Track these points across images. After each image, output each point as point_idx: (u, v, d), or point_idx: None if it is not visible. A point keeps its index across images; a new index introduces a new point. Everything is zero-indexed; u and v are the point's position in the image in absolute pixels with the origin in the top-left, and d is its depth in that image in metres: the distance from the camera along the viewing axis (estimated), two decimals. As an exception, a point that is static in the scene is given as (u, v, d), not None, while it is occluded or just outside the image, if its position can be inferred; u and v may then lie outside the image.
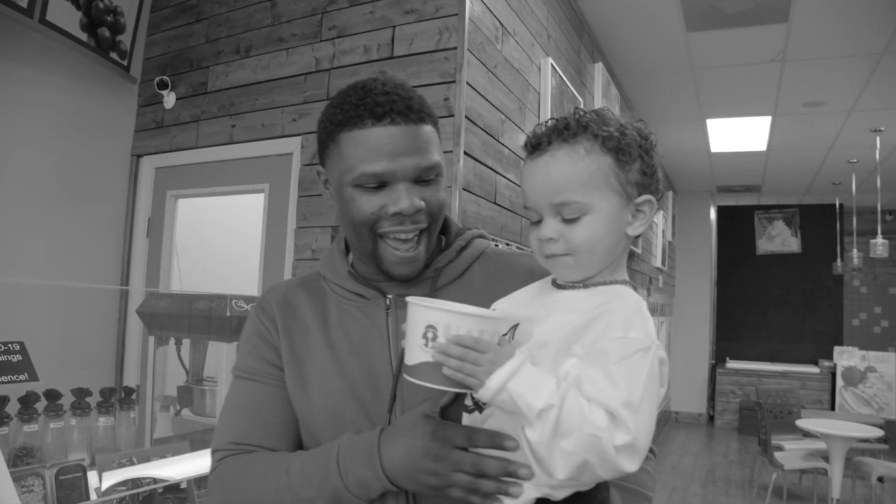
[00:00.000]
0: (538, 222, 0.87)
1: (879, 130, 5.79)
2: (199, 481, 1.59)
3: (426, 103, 1.00)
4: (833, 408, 7.82)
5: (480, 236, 1.13)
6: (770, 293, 9.55)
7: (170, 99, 2.98)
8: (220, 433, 1.04)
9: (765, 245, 9.61)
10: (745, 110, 5.66)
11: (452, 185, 2.24)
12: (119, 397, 1.75)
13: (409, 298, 0.82)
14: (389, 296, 1.04)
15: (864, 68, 4.55)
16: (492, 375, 0.74)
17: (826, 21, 3.89)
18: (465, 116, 2.30)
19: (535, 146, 0.87)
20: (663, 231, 7.40)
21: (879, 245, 6.15)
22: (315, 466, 0.91)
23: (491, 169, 2.55)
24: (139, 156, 3.09)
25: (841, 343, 8.71)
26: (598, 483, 0.85)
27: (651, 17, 3.96)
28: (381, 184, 0.95)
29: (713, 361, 9.41)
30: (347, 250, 1.12)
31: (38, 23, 2.46)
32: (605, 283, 0.88)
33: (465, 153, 2.30)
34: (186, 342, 2.08)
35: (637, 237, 0.94)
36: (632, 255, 5.60)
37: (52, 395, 1.56)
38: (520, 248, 2.72)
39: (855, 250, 7.06)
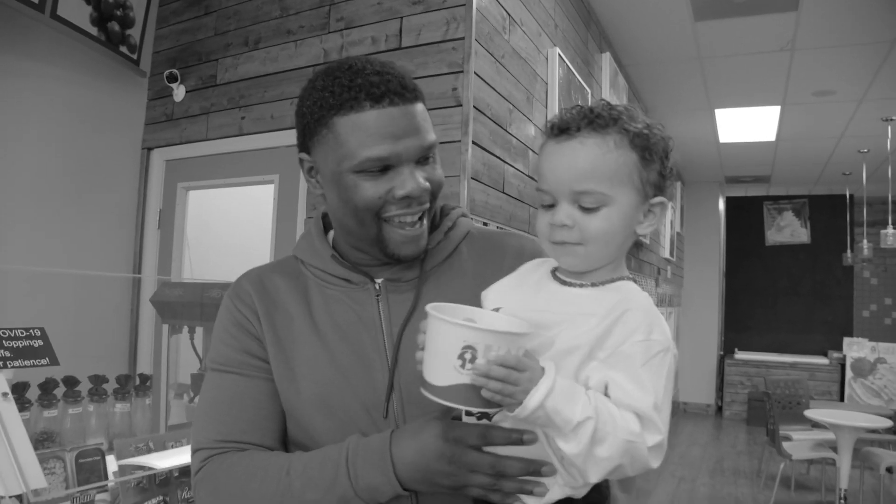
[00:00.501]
0: (551, 206, 0.86)
1: (891, 120, 5.76)
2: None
3: (414, 81, 0.98)
4: (842, 399, 7.82)
5: (464, 215, 1.11)
6: (779, 284, 9.53)
7: (179, 92, 3.01)
8: (202, 430, 0.99)
9: (774, 236, 9.58)
10: (753, 100, 5.64)
11: (461, 174, 2.26)
12: (134, 384, 1.79)
13: (433, 310, 0.77)
14: (378, 280, 1.00)
15: (875, 57, 4.52)
16: (530, 395, 0.73)
17: (836, 9, 3.87)
18: (474, 106, 2.31)
19: (563, 130, 0.86)
20: (671, 222, 7.39)
21: (890, 235, 6.12)
22: (321, 469, 0.87)
23: (499, 158, 2.56)
24: (150, 148, 3.12)
25: (851, 334, 8.70)
26: None
27: (658, 7, 3.95)
28: (384, 168, 0.92)
29: (722, 352, 9.40)
30: (326, 232, 1.08)
31: (49, 17, 2.48)
32: (612, 280, 0.87)
33: (474, 142, 2.32)
34: (199, 330, 2.11)
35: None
36: (639, 245, 5.61)
37: (71, 382, 1.60)
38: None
39: (865, 241, 7.03)
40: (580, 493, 0.82)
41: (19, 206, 2.52)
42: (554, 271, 0.91)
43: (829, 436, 4.91)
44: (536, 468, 0.79)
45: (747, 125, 6.33)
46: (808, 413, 4.99)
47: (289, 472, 0.89)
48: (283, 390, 0.98)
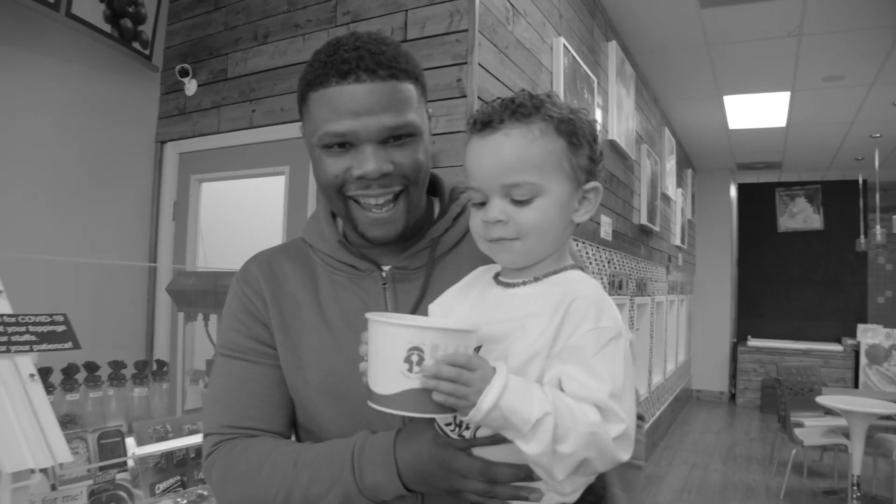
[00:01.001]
0: (482, 204, 0.83)
1: (901, 104, 5.73)
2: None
3: (405, 59, 0.93)
4: (857, 386, 7.79)
5: None
6: (792, 271, 9.49)
7: (191, 86, 3.07)
8: (212, 415, 1.00)
9: (786, 222, 9.54)
10: (762, 86, 5.62)
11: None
12: (152, 370, 1.85)
13: (372, 316, 0.74)
14: (385, 268, 0.99)
15: (885, 40, 4.50)
16: (483, 394, 0.70)
17: (843, -7, 3.87)
18: (478, 97, 2.35)
19: (486, 123, 0.83)
20: (682, 209, 7.39)
21: (903, 221, 6.08)
22: (328, 464, 0.88)
23: (504, 148, 2.60)
24: (163, 142, 3.19)
25: (865, 321, 8.64)
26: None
27: (665, -5, 3.96)
28: (344, 144, 0.90)
29: (734, 340, 9.39)
30: (335, 216, 1.06)
31: (64, 16, 2.54)
32: (555, 272, 0.84)
33: (479, 133, 2.35)
34: (213, 318, 2.18)
35: (589, 222, 0.91)
36: (650, 232, 5.63)
37: (91, 367, 1.67)
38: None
39: (878, 227, 6.98)
40: (571, 499, 0.80)
41: (39, 198, 2.60)
42: (497, 276, 0.89)
43: (843, 422, 4.90)
44: (528, 473, 0.77)
45: (757, 111, 6.32)
46: (820, 399, 4.98)
47: (296, 464, 0.89)
48: (290, 378, 0.98)
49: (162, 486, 1.52)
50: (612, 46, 4.24)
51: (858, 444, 4.56)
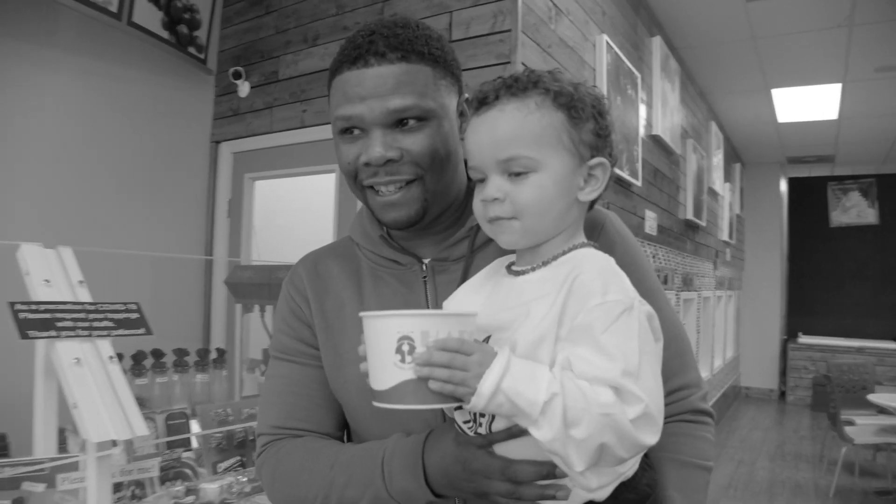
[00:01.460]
0: (482, 181, 0.81)
1: (959, 93, 5.55)
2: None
3: (423, 41, 0.89)
4: (912, 384, 7.57)
5: None
6: (845, 267, 9.25)
7: (244, 88, 3.19)
8: (263, 416, 1.01)
9: (839, 217, 9.30)
10: (812, 78, 5.51)
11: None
12: (212, 358, 1.97)
13: (364, 314, 0.73)
14: (425, 261, 0.97)
15: (940, 29, 4.38)
16: (483, 378, 0.66)
17: (895, -18, 3.78)
18: (521, 95, 2.40)
19: (482, 101, 0.80)
20: (730, 204, 7.28)
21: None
22: (361, 467, 0.87)
23: (547, 145, 2.64)
24: (218, 142, 3.32)
25: (922, 317, 8.39)
26: (640, 467, 0.80)
27: (709, -12, 3.94)
28: (353, 129, 0.89)
29: (785, 336, 9.20)
30: None
31: (126, 24, 2.68)
32: (563, 253, 0.80)
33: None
34: (269, 308, 2.28)
35: (594, 202, 0.86)
36: (696, 227, 5.58)
37: (157, 354, 1.79)
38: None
39: (936, 220, 6.78)
40: (600, 496, 0.76)
41: (105, 196, 2.75)
42: (510, 266, 0.86)
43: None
44: (551, 470, 0.74)
45: (807, 104, 6.18)
46: (872, 397, 4.88)
47: (333, 467, 0.89)
48: (332, 378, 0.98)
49: (223, 465, 1.63)
50: (657, 42, 4.23)
51: (913, 444, 4.46)
